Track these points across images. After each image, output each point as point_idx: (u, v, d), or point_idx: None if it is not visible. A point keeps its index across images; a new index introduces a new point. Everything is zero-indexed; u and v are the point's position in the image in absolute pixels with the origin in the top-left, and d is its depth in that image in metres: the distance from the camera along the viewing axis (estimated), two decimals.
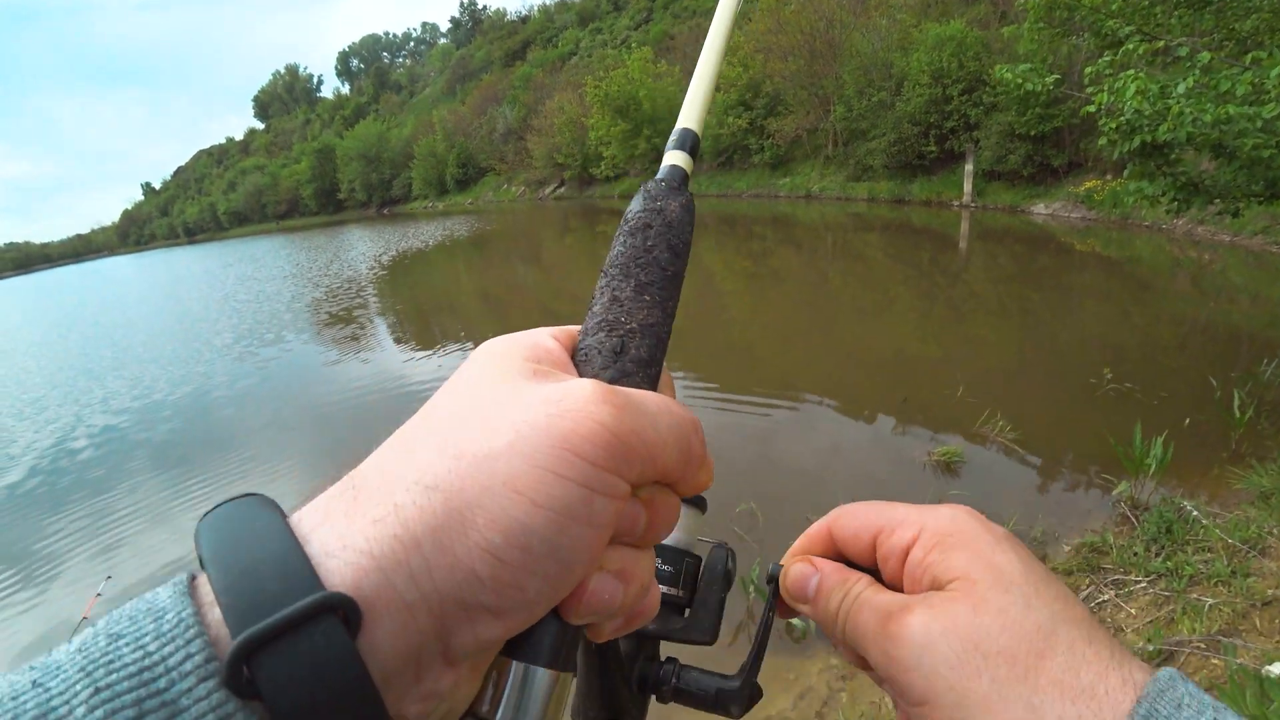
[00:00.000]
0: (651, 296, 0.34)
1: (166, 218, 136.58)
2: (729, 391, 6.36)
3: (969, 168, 18.17)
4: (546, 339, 0.32)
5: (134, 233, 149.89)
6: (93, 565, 4.98)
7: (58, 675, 0.20)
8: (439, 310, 13.30)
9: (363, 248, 29.10)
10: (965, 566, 0.33)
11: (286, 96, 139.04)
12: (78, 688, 0.20)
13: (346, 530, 0.24)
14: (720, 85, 28.42)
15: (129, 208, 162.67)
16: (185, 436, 7.54)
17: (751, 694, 0.39)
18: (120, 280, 41.58)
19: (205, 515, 0.26)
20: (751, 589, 3.40)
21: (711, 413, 5.92)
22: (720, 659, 0.37)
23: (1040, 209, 16.19)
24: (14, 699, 0.20)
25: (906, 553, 0.36)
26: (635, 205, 0.37)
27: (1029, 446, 4.64)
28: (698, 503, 0.41)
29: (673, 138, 0.39)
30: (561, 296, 13.33)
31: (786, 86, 25.15)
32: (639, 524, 0.28)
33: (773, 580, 0.41)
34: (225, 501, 0.27)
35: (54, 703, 0.19)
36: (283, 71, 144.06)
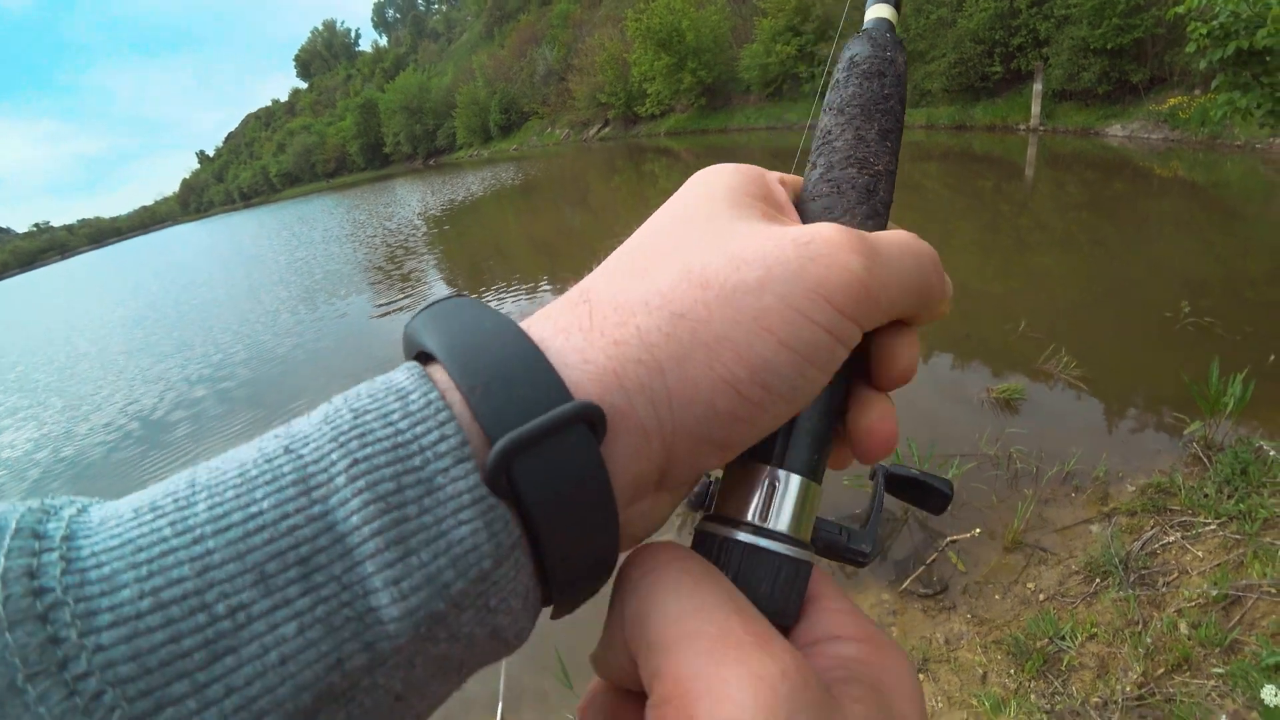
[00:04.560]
0: (893, 145, 0.32)
1: (222, 184, 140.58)
2: None
3: (1037, 88, 16.92)
4: (774, 181, 0.31)
5: (193, 200, 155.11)
6: None
7: (308, 444, 0.20)
8: (490, 257, 13.46)
9: (412, 201, 29.42)
10: None
11: (326, 53, 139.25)
12: (333, 456, 0.19)
13: (585, 346, 0.23)
14: (766, 10, 26.88)
15: (187, 176, 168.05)
16: (257, 387, 8.00)
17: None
18: (196, 249, 43.40)
19: (420, 312, 0.25)
20: None
21: None
22: None
23: (1116, 130, 15.04)
24: (268, 461, 0.19)
25: None
26: (860, 49, 0.34)
27: (1094, 384, 4.47)
28: None
29: None
30: (612, 237, 13.15)
31: (838, 8, 23.75)
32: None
33: (874, 475, 0.37)
34: (439, 301, 0.25)
35: (310, 469, 0.19)
36: (320, 28, 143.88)
